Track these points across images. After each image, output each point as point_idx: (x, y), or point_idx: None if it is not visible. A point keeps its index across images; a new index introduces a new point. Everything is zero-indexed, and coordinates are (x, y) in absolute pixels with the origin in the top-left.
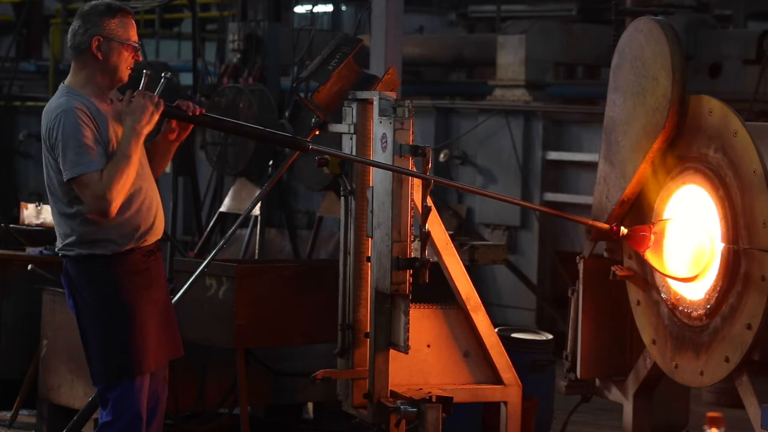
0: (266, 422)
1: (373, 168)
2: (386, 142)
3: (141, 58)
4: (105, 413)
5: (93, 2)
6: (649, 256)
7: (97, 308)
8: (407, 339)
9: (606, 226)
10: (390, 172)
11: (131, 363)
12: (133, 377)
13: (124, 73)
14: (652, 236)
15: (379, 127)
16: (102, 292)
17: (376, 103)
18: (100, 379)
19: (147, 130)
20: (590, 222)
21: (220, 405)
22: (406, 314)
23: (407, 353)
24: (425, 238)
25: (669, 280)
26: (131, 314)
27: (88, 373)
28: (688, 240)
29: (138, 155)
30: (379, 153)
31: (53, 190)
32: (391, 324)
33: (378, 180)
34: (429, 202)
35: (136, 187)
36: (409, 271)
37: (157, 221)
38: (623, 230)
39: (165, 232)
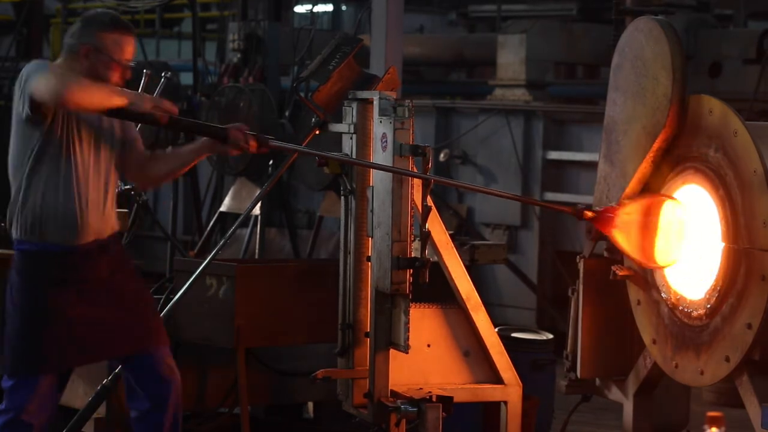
0: (266, 422)
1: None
2: (386, 141)
3: (129, 77)
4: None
5: (100, 10)
6: (618, 237)
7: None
8: (407, 339)
9: (568, 209)
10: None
11: (24, 360)
12: (22, 375)
13: (114, 84)
14: (622, 216)
15: (380, 127)
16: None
17: (376, 102)
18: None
19: (118, 101)
20: (556, 207)
21: (221, 405)
22: (407, 314)
23: (407, 353)
24: (425, 237)
25: (669, 279)
26: (32, 311)
27: (88, 373)
28: (663, 224)
29: (114, 99)
30: (379, 153)
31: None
32: (391, 324)
33: (378, 179)
34: (429, 201)
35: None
36: (410, 271)
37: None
38: (588, 213)
39: (165, 232)
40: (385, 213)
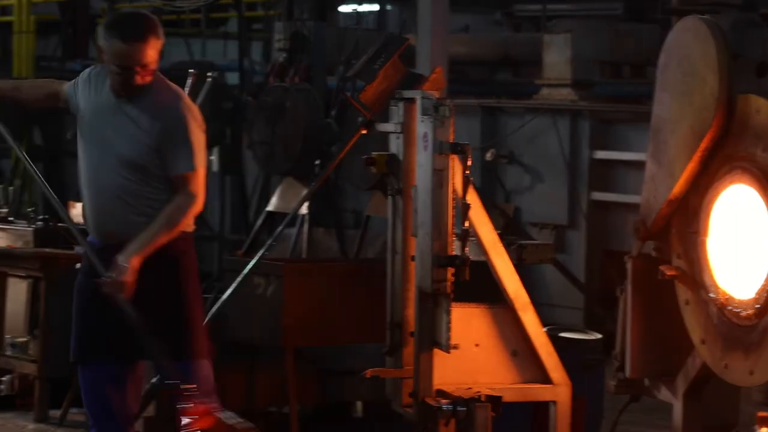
0: (315, 421)
1: (417, 166)
2: (428, 140)
3: (134, 82)
4: None
5: (123, 11)
6: None
7: None
8: (449, 338)
9: None
10: (431, 170)
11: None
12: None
13: (117, 88)
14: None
15: (422, 126)
16: None
17: (418, 102)
18: None
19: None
20: None
21: (270, 404)
22: (448, 313)
23: (449, 352)
24: (465, 235)
25: (718, 279)
26: (74, 298)
27: None
28: None
29: None
30: (421, 151)
31: None
32: (434, 323)
33: (421, 179)
34: (469, 199)
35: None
36: (451, 270)
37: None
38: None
39: (212, 230)
40: (426, 212)
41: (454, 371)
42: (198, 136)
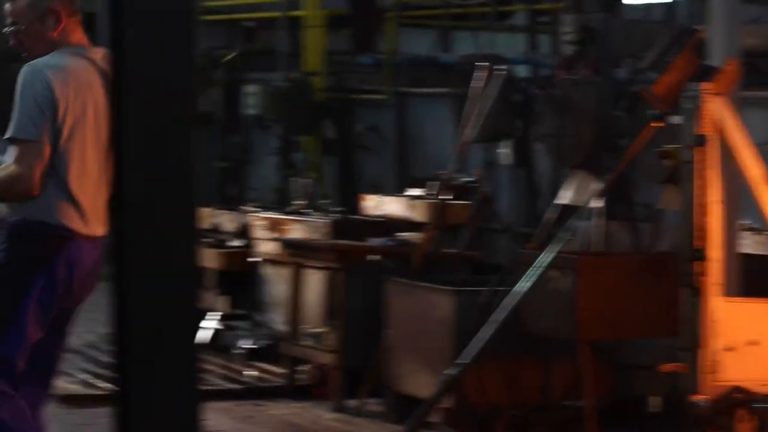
0: (610, 416)
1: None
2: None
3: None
4: None
5: None
6: None
7: None
8: (699, 333)
9: None
10: (688, 164)
11: None
12: None
13: None
14: None
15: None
16: None
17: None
18: None
19: None
20: None
21: (565, 398)
22: (697, 306)
23: (699, 347)
24: (702, 228)
25: None
26: None
27: (431, 362)
28: None
29: None
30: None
31: None
32: (695, 316)
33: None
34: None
35: None
36: (700, 264)
37: None
38: None
39: (502, 223)
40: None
41: (754, 367)
42: (26, 103)
